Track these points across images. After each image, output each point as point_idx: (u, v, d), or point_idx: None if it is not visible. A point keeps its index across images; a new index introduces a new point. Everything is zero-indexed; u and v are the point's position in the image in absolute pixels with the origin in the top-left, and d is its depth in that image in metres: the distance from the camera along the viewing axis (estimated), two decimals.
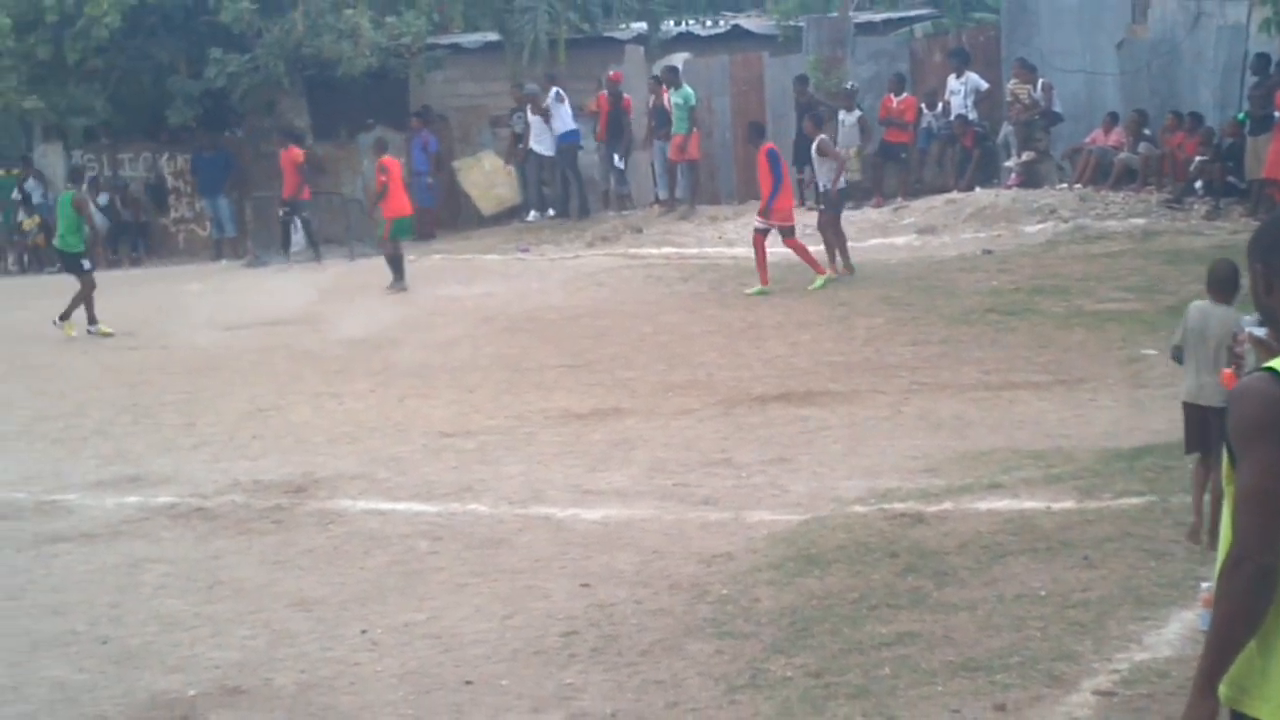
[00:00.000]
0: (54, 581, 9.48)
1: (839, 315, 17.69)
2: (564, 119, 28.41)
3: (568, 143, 28.43)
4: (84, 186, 23.66)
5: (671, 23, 33.60)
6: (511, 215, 29.96)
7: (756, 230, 20.19)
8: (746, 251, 21.06)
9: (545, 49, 30.54)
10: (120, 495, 11.63)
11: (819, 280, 19.68)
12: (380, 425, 13.57)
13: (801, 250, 20.05)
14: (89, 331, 20.83)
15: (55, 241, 22.64)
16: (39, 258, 32.54)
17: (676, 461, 11.56)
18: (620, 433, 12.67)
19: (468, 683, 7.25)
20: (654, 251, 24.10)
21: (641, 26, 31.98)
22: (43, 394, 16.53)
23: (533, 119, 28.80)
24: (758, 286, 19.78)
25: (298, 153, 28.33)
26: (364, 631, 8.13)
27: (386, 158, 24.53)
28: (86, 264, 21.26)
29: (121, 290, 26.65)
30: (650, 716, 6.65)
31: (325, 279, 25.09)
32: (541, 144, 28.87)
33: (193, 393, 15.91)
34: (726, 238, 24.50)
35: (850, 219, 24.63)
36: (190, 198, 32.93)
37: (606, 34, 31.46)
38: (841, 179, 20.93)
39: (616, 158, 29.03)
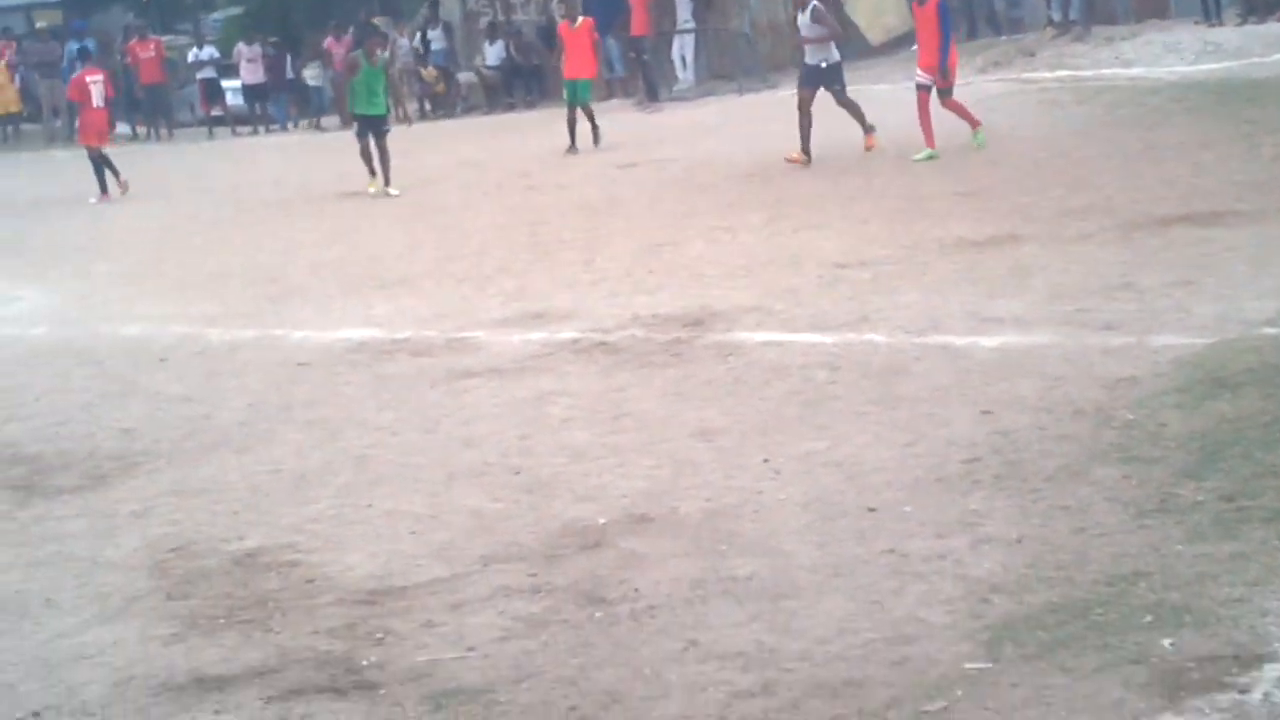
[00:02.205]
0: (466, 415, 9.81)
1: (1243, 133, 17.05)
2: None
3: None
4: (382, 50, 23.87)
5: None
6: (900, 44, 29.55)
7: (919, 86, 18.79)
8: (1146, 72, 20.44)
9: None
10: (525, 331, 11.95)
11: (978, 135, 18.61)
12: (774, 258, 13.62)
13: (960, 109, 18.79)
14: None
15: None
16: (437, 104, 33.52)
17: (1076, 287, 11.32)
18: (1017, 259, 12.47)
19: (871, 510, 7.27)
20: (1047, 75, 23.55)
21: None
22: (448, 234, 17.06)
23: None
24: (925, 151, 18.48)
25: None
26: (765, 460, 8.20)
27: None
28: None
29: (515, 133, 27.29)
30: (1056, 541, 6.58)
31: (709, 115, 25.18)
32: None
33: (590, 230, 16.22)
34: (1123, 58, 23.79)
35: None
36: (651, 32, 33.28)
37: None
38: (834, 53, 19.31)
39: None
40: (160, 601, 7.14)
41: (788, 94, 25.83)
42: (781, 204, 16.33)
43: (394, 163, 21.31)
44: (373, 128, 21.61)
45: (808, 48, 19.35)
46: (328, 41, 34.96)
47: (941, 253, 13.00)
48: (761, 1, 31.24)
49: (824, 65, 19.20)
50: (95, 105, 25.62)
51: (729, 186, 17.59)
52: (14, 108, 36.52)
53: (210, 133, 35.82)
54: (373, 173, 21.41)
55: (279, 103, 36.08)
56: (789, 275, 12.82)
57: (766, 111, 24.53)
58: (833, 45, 19.33)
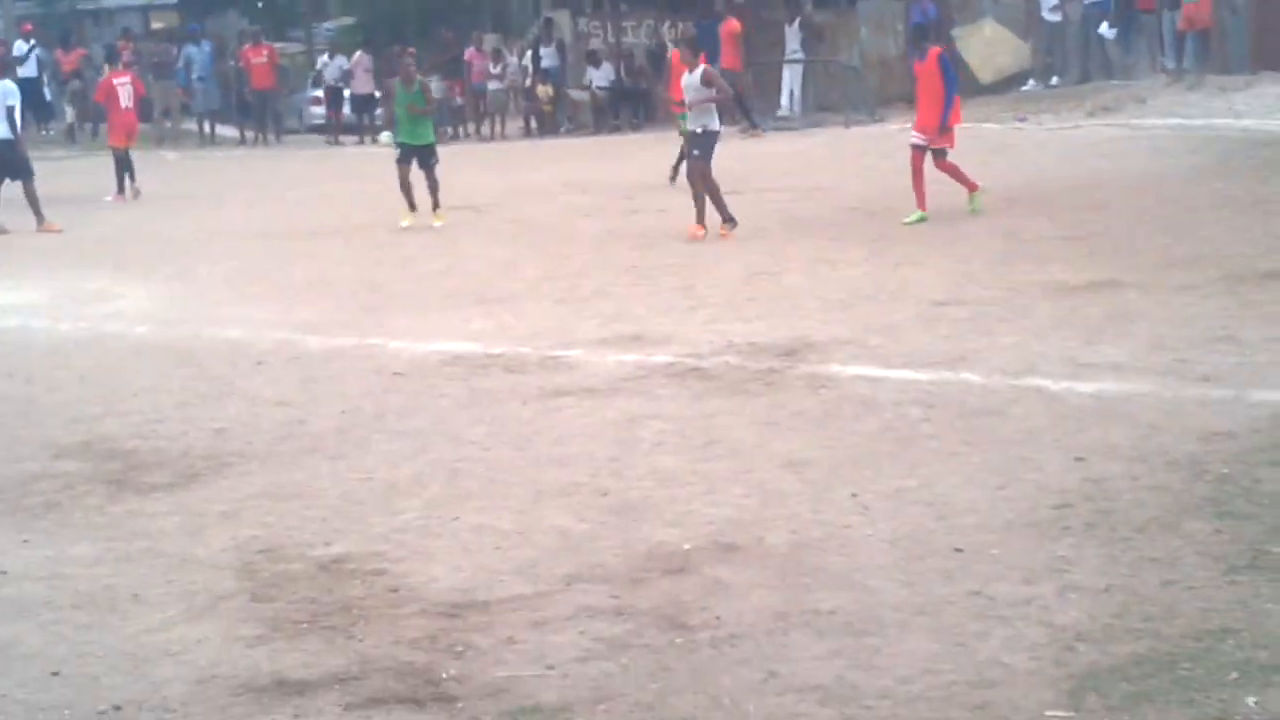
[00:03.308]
0: (557, 433, 9.83)
1: None
2: None
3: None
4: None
5: None
6: (1010, 84, 29.50)
7: (914, 146, 17.56)
8: (1258, 124, 20.21)
9: None
10: (620, 353, 11.96)
11: (975, 199, 17.50)
12: (874, 292, 13.58)
13: (956, 172, 17.66)
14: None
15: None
16: (544, 123, 33.68)
17: (1176, 337, 11.23)
18: (1118, 306, 12.37)
19: (958, 550, 7.23)
20: (1158, 122, 23.38)
21: None
22: (548, 255, 17.11)
23: None
24: (916, 213, 17.36)
25: (735, 24, 28.75)
26: (854, 495, 8.17)
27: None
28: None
29: (621, 156, 27.38)
30: (1145, 593, 6.52)
31: (815, 146, 25.15)
32: (1049, 10, 28.54)
33: (690, 256, 16.22)
34: (1235, 109, 23.59)
35: None
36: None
37: None
38: (714, 121, 18.00)
39: (1106, 25, 28.39)
40: (246, 602, 7.19)
41: (895, 128, 25.86)
42: (884, 239, 16.29)
43: (499, 182, 21.34)
44: (417, 157, 20.34)
45: (692, 111, 18.08)
46: (468, 53, 35.07)
47: (1042, 295, 12.91)
48: (871, 35, 31.23)
49: (700, 131, 17.92)
50: (123, 106, 26.30)
51: (832, 218, 17.51)
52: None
53: (336, 139, 35.99)
54: (412, 206, 20.32)
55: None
56: (887, 311, 12.78)
57: (873, 145, 24.51)
58: (714, 112, 18.12)
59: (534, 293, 14.91)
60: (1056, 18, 28.58)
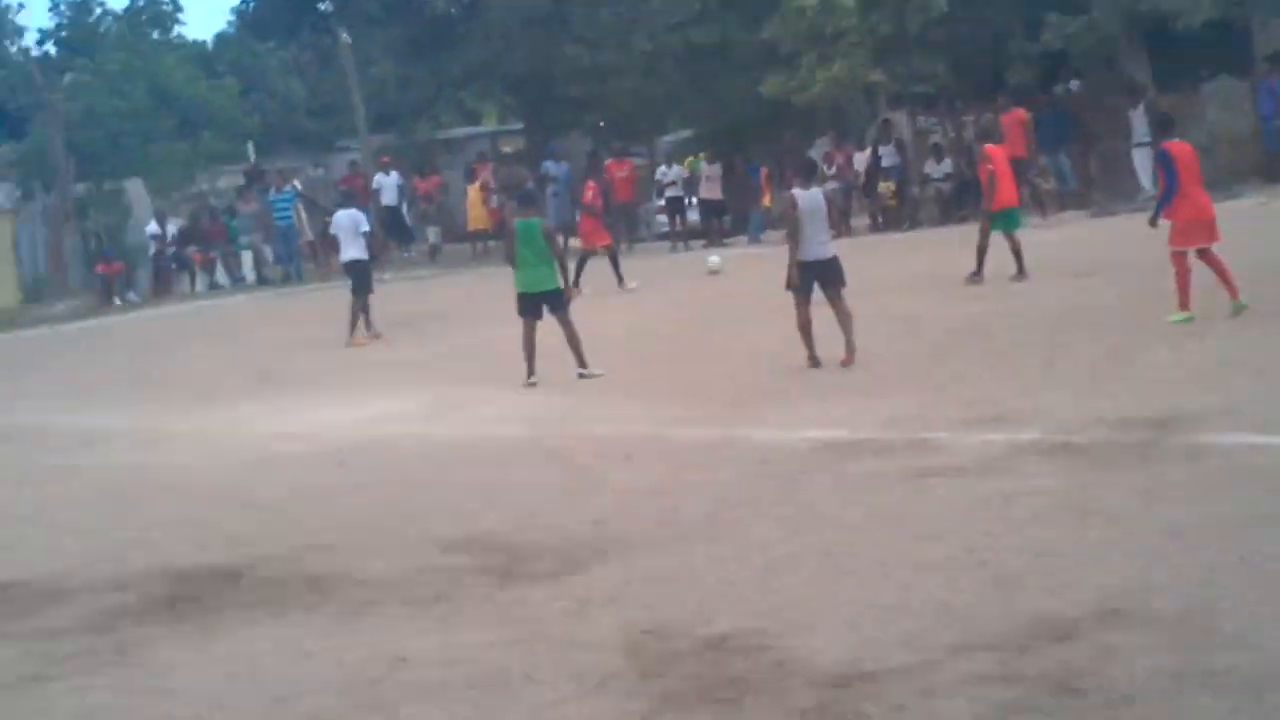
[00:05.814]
0: (929, 512, 9.82)
1: None
2: None
3: None
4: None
5: None
6: None
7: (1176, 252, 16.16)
8: None
9: None
10: (986, 433, 11.90)
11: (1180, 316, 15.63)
12: (1244, 361, 13.26)
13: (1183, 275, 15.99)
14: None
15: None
16: (889, 219, 33.79)
17: None
18: None
19: None
20: None
21: None
22: (904, 341, 17.09)
23: None
24: (1181, 314, 15.74)
25: (1021, 114, 28.71)
26: (1242, 559, 8.01)
27: (990, 146, 22.05)
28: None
29: (967, 246, 27.22)
30: None
31: (1166, 224, 24.63)
32: None
33: (1047, 336, 16.04)
34: None
35: None
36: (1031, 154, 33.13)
37: None
38: (816, 249, 16.32)
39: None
40: (635, 680, 7.35)
41: (1249, 204, 25.28)
42: (1248, 309, 15.84)
43: (849, 276, 21.15)
44: (547, 304, 17.94)
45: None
46: (828, 152, 35.23)
47: None
48: (1219, 113, 30.60)
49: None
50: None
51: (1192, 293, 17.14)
52: (483, 225, 38.20)
53: (677, 246, 36.53)
54: (531, 370, 17.62)
55: (755, 219, 36.66)
56: (1261, 379, 12.47)
57: (1228, 223, 23.91)
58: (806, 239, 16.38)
59: (893, 377, 14.92)
60: None
